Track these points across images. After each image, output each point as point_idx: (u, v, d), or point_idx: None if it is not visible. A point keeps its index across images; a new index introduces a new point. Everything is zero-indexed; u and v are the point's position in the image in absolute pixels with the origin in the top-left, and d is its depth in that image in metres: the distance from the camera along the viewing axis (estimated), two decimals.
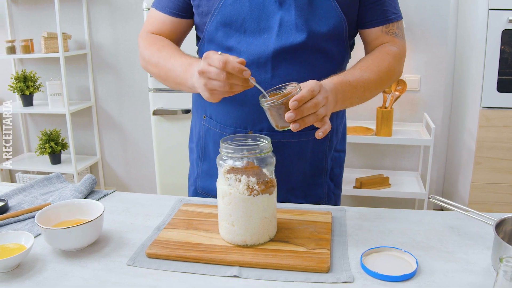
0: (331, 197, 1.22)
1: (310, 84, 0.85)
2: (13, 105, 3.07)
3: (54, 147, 2.92)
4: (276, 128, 0.87)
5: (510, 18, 2.02)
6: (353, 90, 0.98)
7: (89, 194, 1.19)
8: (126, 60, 2.96)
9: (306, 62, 1.04)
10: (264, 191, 0.85)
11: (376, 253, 0.86)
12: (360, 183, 2.57)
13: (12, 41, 2.90)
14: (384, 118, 2.44)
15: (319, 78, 0.93)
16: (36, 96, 3.07)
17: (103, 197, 1.18)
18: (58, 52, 2.77)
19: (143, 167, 3.16)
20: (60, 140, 2.99)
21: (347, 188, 2.60)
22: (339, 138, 1.22)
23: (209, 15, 1.06)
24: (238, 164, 0.85)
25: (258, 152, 0.84)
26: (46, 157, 3.06)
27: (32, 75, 2.93)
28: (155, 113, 2.45)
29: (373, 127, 2.60)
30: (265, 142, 0.87)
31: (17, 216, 1.04)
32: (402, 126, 2.69)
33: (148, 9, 2.28)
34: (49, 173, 3.07)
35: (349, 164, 2.87)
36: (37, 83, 2.98)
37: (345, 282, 0.78)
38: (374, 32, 1.11)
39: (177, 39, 1.18)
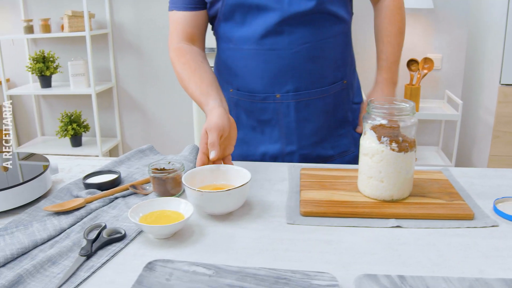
0: (358, 146, 1.30)
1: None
2: (28, 87, 3.00)
3: (76, 129, 2.88)
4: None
5: None
6: (395, 67, 1.28)
7: None
8: (149, 40, 2.93)
9: (317, 25, 1.15)
10: (412, 148, 0.91)
11: (504, 202, 0.93)
12: None
13: (29, 21, 2.82)
14: (413, 95, 2.54)
15: (329, 38, 1.16)
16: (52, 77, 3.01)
17: None
18: (83, 31, 2.73)
19: (167, 148, 3.16)
20: (81, 122, 2.95)
21: None
22: (354, 91, 1.32)
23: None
24: (387, 124, 0.90)
25: (408, 113, 0.90)
26: (64, 140, 3.02)
27: (51, 55, 2.87)
28: None
29: None
30: (410, 105, 0.92)
31: (143, 185, 1.06)
32: (424, 103, 2.80)
33: None
34: (71, 155, 3.04)
35: None
36: (54, 64, 2.92)
37: (493, 226, 0.86)
38: None
39: (201, 32, 1.25)
